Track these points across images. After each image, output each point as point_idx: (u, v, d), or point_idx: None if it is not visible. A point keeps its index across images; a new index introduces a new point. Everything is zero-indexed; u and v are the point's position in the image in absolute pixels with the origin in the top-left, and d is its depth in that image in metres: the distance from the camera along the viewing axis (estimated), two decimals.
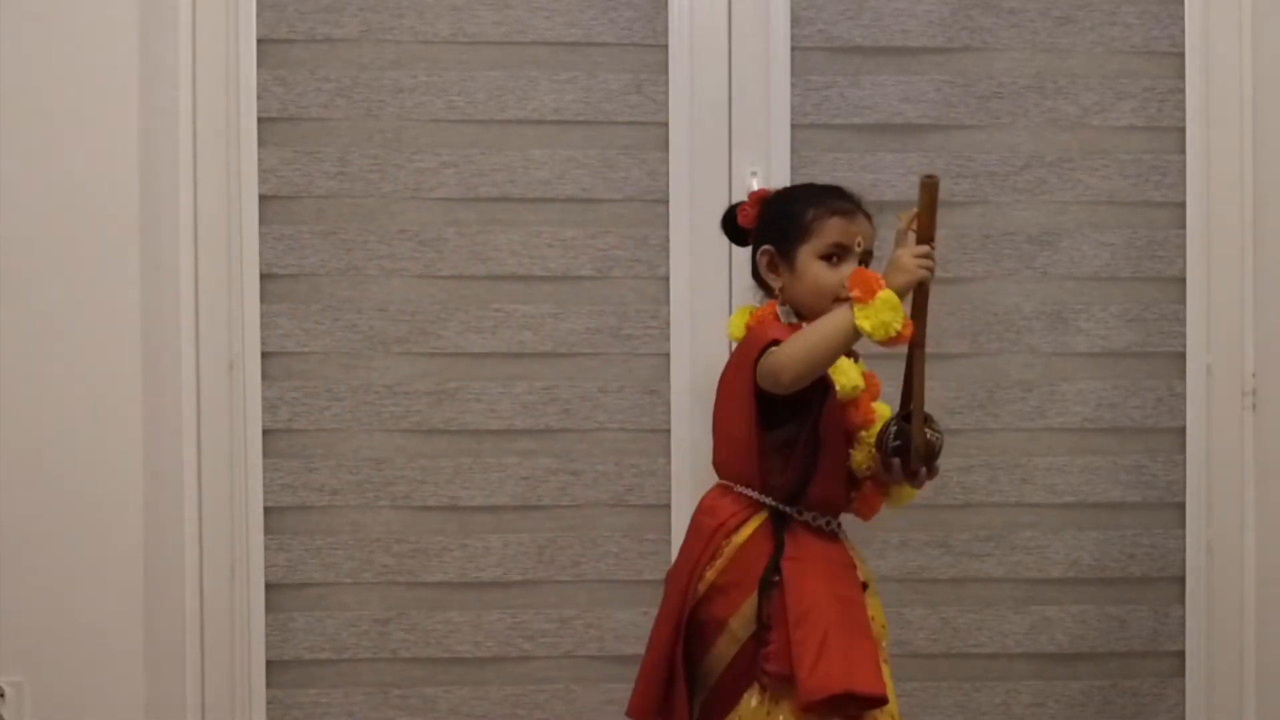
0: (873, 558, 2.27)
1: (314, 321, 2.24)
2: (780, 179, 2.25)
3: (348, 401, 2.24)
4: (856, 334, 1.73)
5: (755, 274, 1.94)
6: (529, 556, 2.25)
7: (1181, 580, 2.31)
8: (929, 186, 1.73)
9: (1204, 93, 2.29)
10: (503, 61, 2.26)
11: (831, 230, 1.86)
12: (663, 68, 2.26)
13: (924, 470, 1.83)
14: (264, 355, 2.23)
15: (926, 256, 1.74)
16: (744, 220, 1.96)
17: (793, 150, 2.27)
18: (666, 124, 2.25)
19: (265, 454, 2.22)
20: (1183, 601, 2.31)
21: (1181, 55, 2.30)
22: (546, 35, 2.26)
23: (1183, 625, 2.31)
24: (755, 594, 1.78)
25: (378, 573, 2.24)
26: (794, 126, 2.27)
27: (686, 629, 1.82)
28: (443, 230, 2.25)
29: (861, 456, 1.89)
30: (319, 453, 2.24)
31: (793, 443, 1.83)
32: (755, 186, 2.21)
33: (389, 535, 2.25)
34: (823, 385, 1.83)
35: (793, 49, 2.27)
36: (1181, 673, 2.31)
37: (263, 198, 2.22)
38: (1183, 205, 2.30)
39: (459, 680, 2.24)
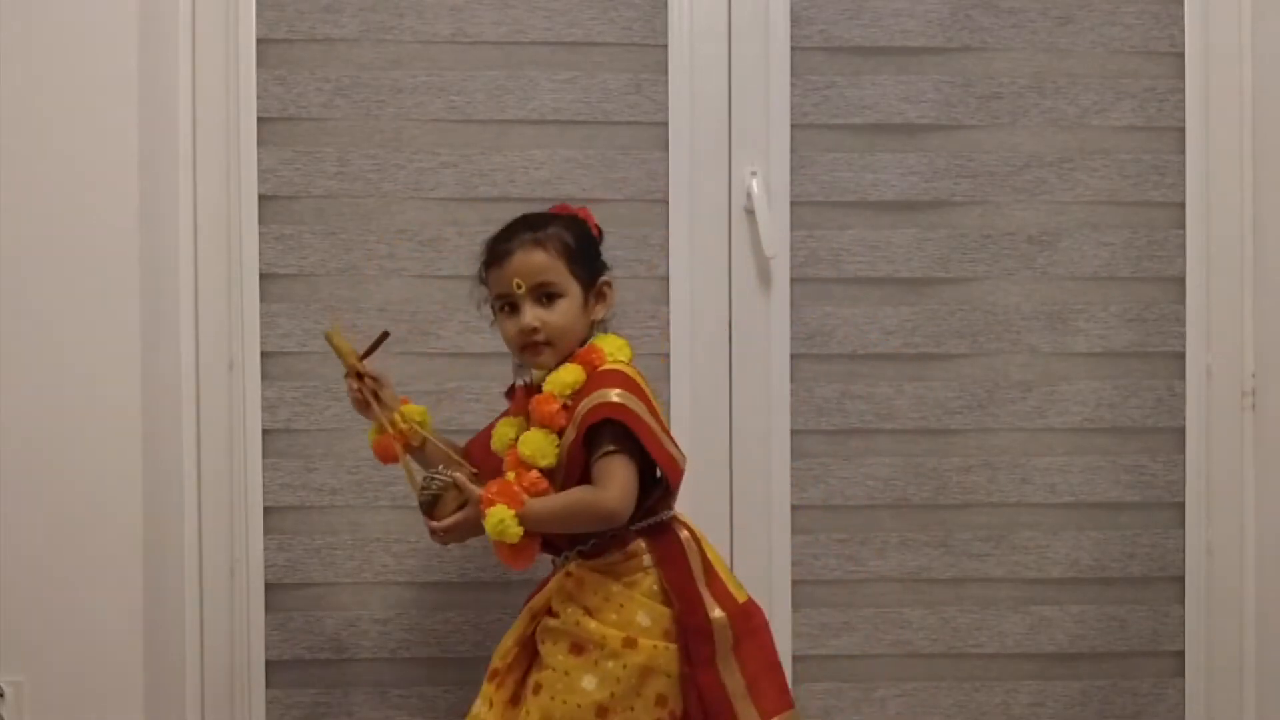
0: (872, 557, 2.28)
1: (314, 321, 2.24)
2: (780, 179, 2.25)
3: (348, 401, 2.23)
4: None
5: None
6: None
7: (1181, 580, 2.31)
8: (328, 337, 1.91)
9: (1204, 93, 2.29)
10: (503, 61, 2.26)
11: (493, 282, 1.87)
12: (663, 68, 2.26)
13: (427, 519, 1.83)
14: (264, 355, 2.23)
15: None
16: None
17: (792, 150, 2.27)
18: (666, 124, 2.25)
19: (265, 454, 2.22)
20: (1182, 601, 2.31)
21: (1181, 55, 2.30)
22: (546, 35, 2.26)
23: (1182, 625, 2.31)
24: None
25: (377, 572, 2.25)
26: (794, 126, 2.27)
27: None
28: (442, 230, 2.25)
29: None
30: (319, 453, 2.24)
31: None
32: (755, 187, 2.22)
33: (388, 535, 2.25)
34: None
35: (792, 49, 2.27)
36: (1181, 673, 2.31)
37: (262, 198, 2.22)
38: (1182, 205, 2.31)
39: (459, 680, 2.24)
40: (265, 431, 2.22)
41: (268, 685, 2.23)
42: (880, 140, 2.29)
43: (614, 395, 1.77)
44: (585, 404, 1.78)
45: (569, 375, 1.80)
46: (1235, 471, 2.30)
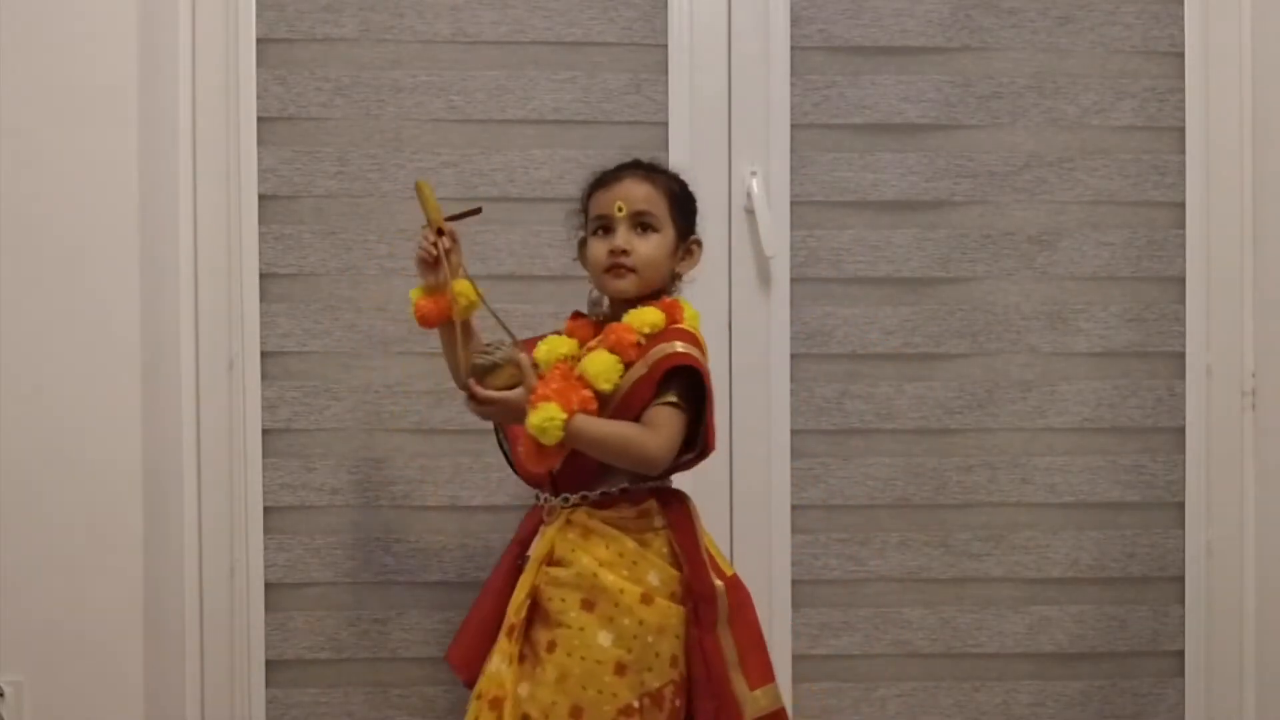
0: (872, 557, 2.28)
1: (314, 321, 2.24)
2: (780, 179, 2.25)
3: (347, 401, 2.24)
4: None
5: None
6: None
7: (1181, 580, 2.31)
8: (418, 187, 1.87)
9: (1204, 93, 2.29)
10: (502, 61, 2.26)
11: (594, 204, 1.89)
12: (662, 68, 2.26)
13: (474, 383, 1.78)
14: (263, 355, 2.23)
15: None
16: None
17: (792, 150, 2.27)
18: (666, 124, 2.25)
19: (265, 454, 2.22)
20: (1182, 601, 2.31)
21: (1181, 55, 2.30)
22: (546, 35, 2.26)
23: (1182, 625, 2.31)
24: None
25: (377, 572, 2.24)
26: (794, 126, 2.27)
27: None
28: None
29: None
30: (318, 452, 2.24)
31: None
32: (755, 187, 2.22)
33: (388, 535, 2.25)
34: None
35: (792, 49, 2.27)
36: (1181, 672, 2.31)
37: (262, 197, 2.22)
38: (1182, 205, 2.31)
39: (459, 680, 2.24)
40: (265, 431, 2.22)
41: (268, 685, 2.23)
42: (880, 140, 2.29)
43: (694, 351, 1.79)
44: (663, 348, 1.79)
45: (652, 316, 1.81)
46: (1235, 471, 2.30)
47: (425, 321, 1.89)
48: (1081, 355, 2.31)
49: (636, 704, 1.74)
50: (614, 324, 1.82)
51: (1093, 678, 2.31)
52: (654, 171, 1.90)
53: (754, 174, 2.24)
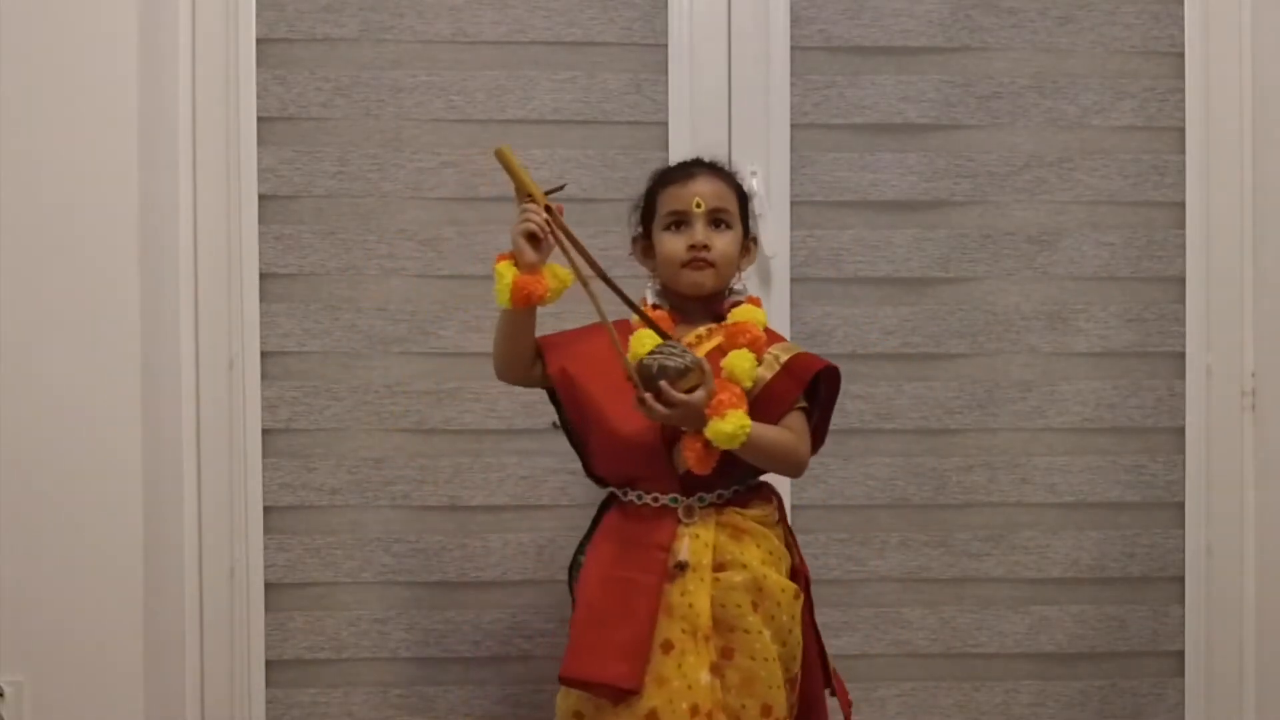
0: (872, 557, 2.28)
1: (313, 321, 2.24)
2: (780, 179, 2.25)
3: (347, 401, 2.24)
4: None
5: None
6: (529, 556, 2.25)
7: (1181, 580, 2.31)
8: (500, 154, 1.78)
9: (1204, 93, 2.29)
10: (502, 61, 2.26)
11: (668, 200, 1.87)
12: (662, 67, 2.26)
13: (646, 395, 1.70)
14: (263, 355, 2.23)
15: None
16: None
17: (792, 150, 2.27)
18: (666, 124, 2.25)
19: (265, 454, 2.22)
20: (1182, 601, 2.31)
21: (1181, 55, 2.30)
22: (546, 35, 2.26)
23: (1182, 625, 2.31)
24: None
25: (377, 572, 2.25)
26: (794, 126, 2.27)
27: None
28: (442, 230, 2.25)
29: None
30: (319, 452, 2.24)
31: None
32: (755, 187, 2.21)
33: (388, 535, 2.25)
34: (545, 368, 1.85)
35: (792, 49, 2.27)
36: (1181, 673, 2.31)
37: (262, 197, 2.22)
38: (1182, 205, 2.30)
39: (459, 680, 2.24)
40: (265, 431, 2.22)
41: (268, 685, 2.23)
42: (880, 140, 2.29)
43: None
44: (792, 349, 1.82)
45: (760, 315, 1.84)
46: (1235, 471, 2.30)
47: (524, 299, 1.76)
48: (1081, 355, 2.31)
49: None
50: (740, 323, 1.81)
51: (1093, 678, 2.31)
52: (723, 169, 1.91)
53: (754, 174, 2.24)
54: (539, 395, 2.22)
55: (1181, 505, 2.31)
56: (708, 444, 1.72)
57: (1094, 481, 2.31)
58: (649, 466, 1.80)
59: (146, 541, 2.05)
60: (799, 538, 2.25)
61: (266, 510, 2.23)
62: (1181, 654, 2.31)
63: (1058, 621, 2.31)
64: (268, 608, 2.23)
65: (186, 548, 2.20)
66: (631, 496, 1.82)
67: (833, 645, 2.26)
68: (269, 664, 2.23)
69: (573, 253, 1.78)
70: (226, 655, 2.21)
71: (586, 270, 1.79)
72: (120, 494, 2.04)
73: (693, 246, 1.83)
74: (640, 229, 1.92)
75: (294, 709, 2.24)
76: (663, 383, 1.68)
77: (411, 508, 2.25)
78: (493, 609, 2.25)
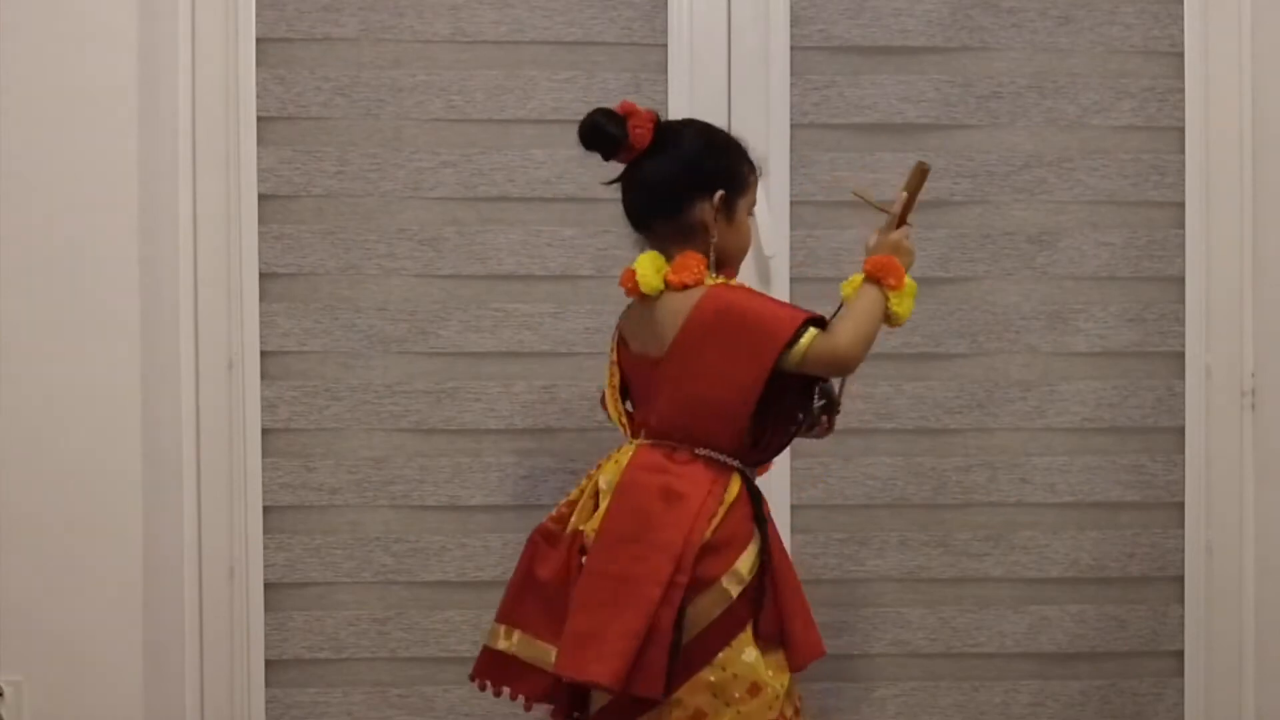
0: (871, 557, 2.28)
1: (313, 321, 2.24)
2: (780, 179, 2.25)
3: (347, 401, 2.24)
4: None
5: (658, 210, 1.86)
6: None
7: (1180, 580, 2.31)
8: (925, 172, 1.87)
9: (1203, 93, 2.29)
10: (502, 61, 2.26)
11: (752, 188, 1.89)
12: (662, 67, 2.26)
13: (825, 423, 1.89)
14: (263, 354, 2.23)
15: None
16: (638, 141, 1.83)
17: (792, 150, 2.27)
18: None
19: (264, 453, 2.22)
20: (1182, 601, 2.31)
21: (1181, 55, 2.30)
22: (546, 35, 2.26)
23: (1182, 625, 2.31)
24: (748, 553, 1.80)
25: (376, 572, 2.25)
26: (794, 126, 2.27)
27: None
28: (442, 230, 2.25)
29: None
30: (318, 452, 2.24)
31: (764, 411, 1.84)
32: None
33: (388, 534, 2.25)
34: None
35: (792, 48, 2.27)
36: (1180, 673, 2.31)
37: (262, 197, 2.22)
38: (1182, 205, 2.30)
39: (459, 680, 2.24)
40: (265, 431, 2.22)
41: (267, 685, 2.23)
42: (880, 140, 2.29)
43: None
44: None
45: None
46: (1235, 471, 2.30)
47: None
48: (1081, 355, 2.31)
49: None
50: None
51: (1093, 678, 2.31)
52: None
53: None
54: (539, 395, 2.25)
55: (1181, 505, 2.31)
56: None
57: (1093, 481, 2.31)
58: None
59: (146, 541, 2.06)
60: (799, 537, 2.28)
61: (266, 510, 2.23)
62: (1181, 654, 2.31)
63: (1057, 621, 2.31)
64: (267, 607, 2.23)
65: (186, 547, 2.20)
66: (754, 476, 1.87)
67: (832, 645, 2.27)
68: (269, 664, 2.23)
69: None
70: (226, 655, 2.21)
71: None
72: (120, 494, 2.04)
73: None
74: (724, 191, 1.84)
75: (294, 709, 2.24)
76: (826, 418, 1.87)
77: (411, 508, 2.25)
78: (492, 609, 2.24)
